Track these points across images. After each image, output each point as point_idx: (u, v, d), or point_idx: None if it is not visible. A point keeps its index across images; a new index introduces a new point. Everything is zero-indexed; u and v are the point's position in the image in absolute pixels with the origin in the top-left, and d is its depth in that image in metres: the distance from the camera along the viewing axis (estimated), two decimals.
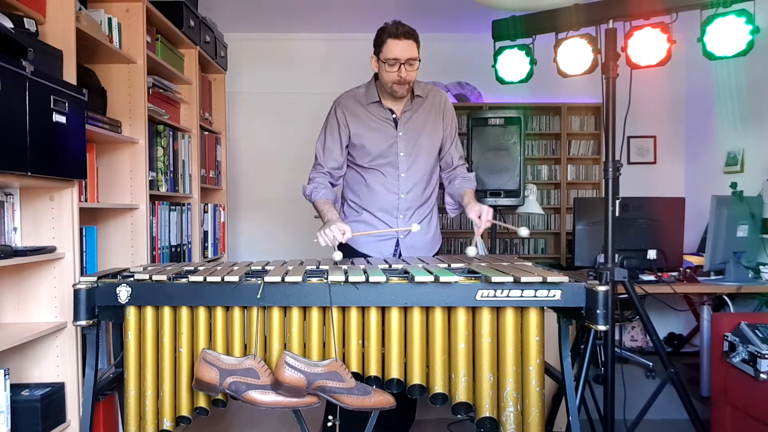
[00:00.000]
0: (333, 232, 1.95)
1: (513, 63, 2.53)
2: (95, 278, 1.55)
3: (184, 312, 1.54)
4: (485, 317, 1.49)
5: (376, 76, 2.26)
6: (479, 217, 2.06)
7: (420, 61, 2.14)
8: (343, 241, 1.97)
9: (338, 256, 1.84)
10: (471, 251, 2.02)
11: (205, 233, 3.26)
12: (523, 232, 2.03)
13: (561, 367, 1.62)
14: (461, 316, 1.50)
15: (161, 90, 2.71)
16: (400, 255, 2.28)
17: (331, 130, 2.29)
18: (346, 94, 2.32)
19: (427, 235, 2.34)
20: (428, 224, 2.34)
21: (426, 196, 2.31)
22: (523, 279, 1.45)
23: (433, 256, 2.24)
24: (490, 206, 3.04)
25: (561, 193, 4.73)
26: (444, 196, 2.39)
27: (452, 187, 2.34)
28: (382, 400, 1.51)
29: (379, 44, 2.13)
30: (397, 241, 2.29)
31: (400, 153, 2.25)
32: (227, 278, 1.50)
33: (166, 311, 1.55)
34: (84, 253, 2.13)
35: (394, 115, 2.26)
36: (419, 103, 2.28)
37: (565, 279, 1.48)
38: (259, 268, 1.69)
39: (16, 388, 1.85)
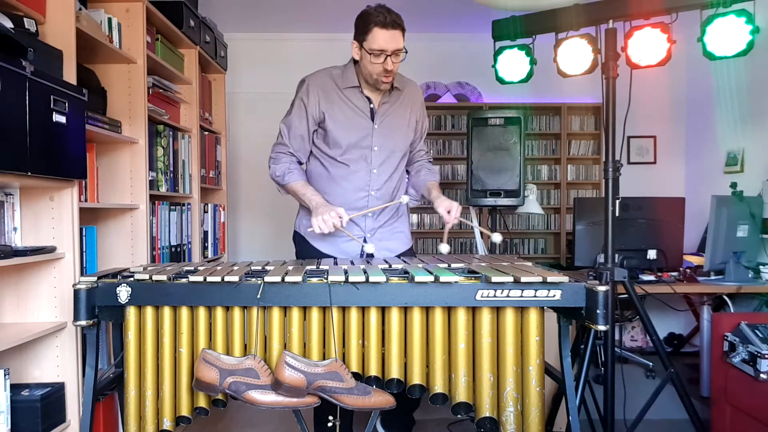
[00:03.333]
0: (332, 218, 1.89)
1: (513, 63, 2.53)
2: (95, 278, 1.55)
3: (184, 312, 1.54)
4: (485, 317, 1.49)
5: (355, 61, 2.10)
6: (448, 212, 2.01)
7: (406, 52, 2.00)
8: (343, 226, 1.92)
9: (445, 248, 1.99)
10: (444, 248, 2.01)
11: (205, 233, 3.26)
12: (496, 237, 2.02)
13: (561, 367, 1.62)
14: (461, 316, 1.50)
15: (161, 90, 2.71)
16: (364, 256, 2.11)
17: (300, 110, 2.12)
18: (319, 72, 2.15)
19: (398, 233, 2.24)
20: (397, 221, 2.24)
21: (395, 194, 2.20)
22: (523, 279, 1.45)
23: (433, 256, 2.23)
24: (491, 206, 3.08)
25: (561, 193, 4.73)
26: (407, 187, 2.30)
27: (417, 177, 2.26)
28: (382, 400, 1.51)
29: (363, 32, 1.96)
30: (365, 239, 2.15)
31: (374, 147, 2.11)
32: (227, 278, 1.50)
33: (166, 311, 1.54)
34: (84, 253, 2.13)
35: (371, 105, 2.11)
36: (397, 95, 2.16)
37: (565, 279, 1.48)
38: (259, 268, 1.69)
39: (16, 388, 1.85)
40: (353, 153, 2.11)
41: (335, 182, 2.14)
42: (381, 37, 1.94)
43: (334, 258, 2.13)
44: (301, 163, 2.19)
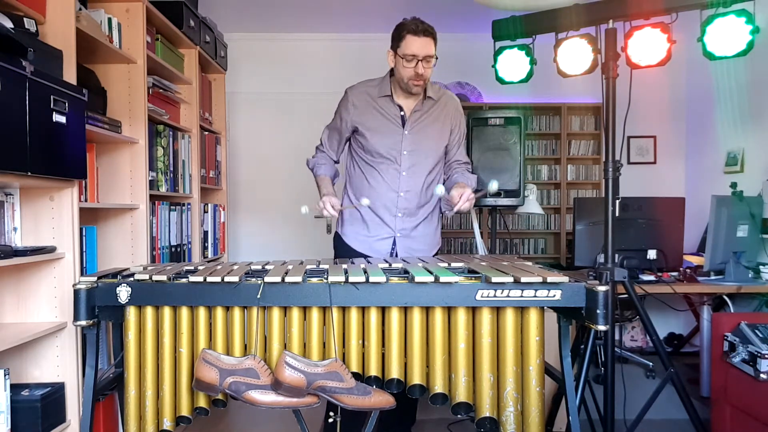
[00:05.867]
0: (323, 203, 2.14)
1: (513, 63, 2.53)
2: (95, 278, 1.55)
3: (184, 312, 1.54)
4: (485, 317, 1.49)
5: (391, 72, 2.27)
6: (460, 196, 2.06)
7: (437, 59, 2.17)
8: (334, 214, 2.14)
9: (365, 201, 2.14)
10: (439, 190, 2.06)
11: (205, 233, 3.26)
12: (493, 186, 2.04)
13: (561, 367, 1.62)
14: (461, 316, 1.50)
15: (161, 90, 2.71)
16: (396, 255, 2.29)
17: (338, 117, 2.34)
18: (359, 84, 2.34)
19: (426, 236, 2.33)
20: (426, 226, 2.33)
21: (427, 198, 2.31)
22: (523, 279, 1.45)
23: (433, 256, 2.24)
24: (491, 206, 3.08)
25: (561, 193, 4.73)
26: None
27: (449, 182, 2.34)
28: (382, 400, 1.51)
29: (398, 39, 2.15)
30: (394, 240, 2.29)
31: (404, 151, 2.25)
32: (227, 278, 1.50)
33: (166, 311, 1.55)
34: (84, 253, 2.13)
35: (402, 113, 2.27)
36: (430, 104, 2.29)
37: (565, 279, 1.48)
38: (259, 268, 1.69)
39: (16, 388, 1.85)
40: (384, 156, 2.27)
41: (369, 183, 2.30)
42: (413, 44, 2.11)
43: (367, 257, 2.25)
44: (335, 162, 2.43)
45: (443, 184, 2.39)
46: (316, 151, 2.44)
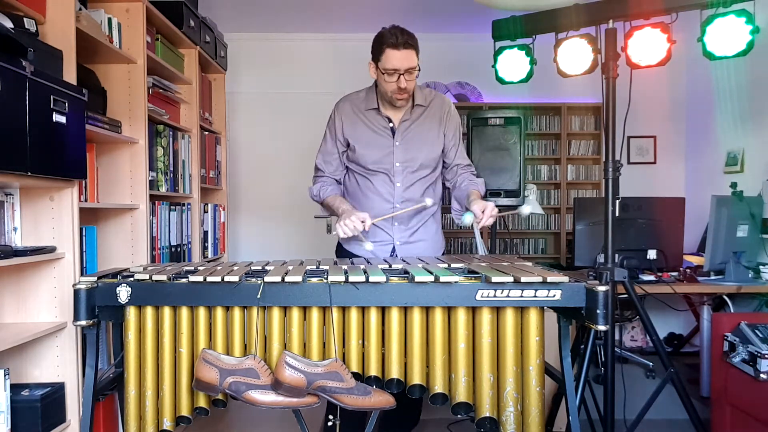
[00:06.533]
0: (353, 222, 1.98)
1: (513, 63, 2.53)
2: (95, 278, 1.55)
3: (184, 312, 1.54)
4: (485, 317, 1.49)
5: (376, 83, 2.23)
6: (483, 211, 2.02)
7: (420, 70, 2.11)
8: (367, 229, 2.01)
9: (369, 246, 1.96)
10: (525, 210, 2.09)
11: (205, 233, 3.26)
12: (525, 210, 2.07)
13: (561, 367, 1.62)
14: (461, 316, 1.50)
15: (161, 90, 2.71)
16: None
17: (330, 136, 2.30)
18: (346, 98, 2.30)
19: (426, 240, 2.30)
20: (424, 231, 2.29)
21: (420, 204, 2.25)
22: (523, 279, 1.45)
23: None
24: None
25: (561, 193, 4.73)
26: (451, 201, 2.35)
27: (459, 190, 2.28)
28: (382, 400, 1.51)
29: (378, 53, 2.08)
30: (394, 247, 2.26)
31: (396, 163, 2.21)
32: (227, 278, 1.50)
33: (166, 311, 1.55)
34: (84, 253, 2.13)
35: (391, 124, 2.23)
36: (420, 112, 2.24)
37: (565, 279, 1.48)
38: (259, 268, 1.69)
39: (16, 388, 1.85)
40: (377, 169, 2.23)
41: (364, 194, 2.27)
42: (393, 58, 2.04)
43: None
44: (338, 182, 2.34)
45: (448, 188, 2.37)
46: (314, 180, 2.35)
